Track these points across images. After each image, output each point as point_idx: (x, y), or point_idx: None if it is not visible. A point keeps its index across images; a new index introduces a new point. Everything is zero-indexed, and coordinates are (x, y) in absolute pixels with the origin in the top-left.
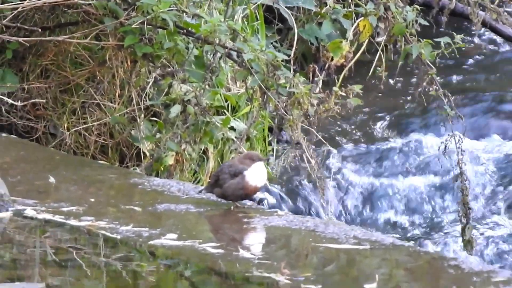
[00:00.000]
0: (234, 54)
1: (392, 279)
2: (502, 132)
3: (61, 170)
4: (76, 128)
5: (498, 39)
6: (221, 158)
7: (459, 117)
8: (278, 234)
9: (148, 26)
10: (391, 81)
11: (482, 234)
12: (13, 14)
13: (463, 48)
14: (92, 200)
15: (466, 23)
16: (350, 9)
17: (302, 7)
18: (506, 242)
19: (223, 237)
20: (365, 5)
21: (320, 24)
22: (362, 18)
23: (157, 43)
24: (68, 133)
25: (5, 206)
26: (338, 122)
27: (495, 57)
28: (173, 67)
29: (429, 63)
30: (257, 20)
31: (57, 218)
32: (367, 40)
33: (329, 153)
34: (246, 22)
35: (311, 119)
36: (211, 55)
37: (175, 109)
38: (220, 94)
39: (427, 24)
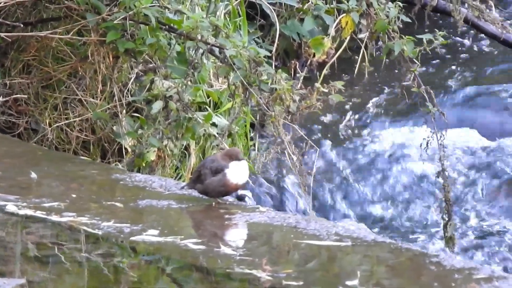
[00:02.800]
0: (216, 50)
1: (373, 276)
2: (483, 128)
3: (43, 165)
4: (58, 124)
5: (480, 36)
6: (203, 154)
7: (441, 113)
8: (259, 231)
9: (130, 21)
10: (373, 77)
11: (464, 231)
12: None
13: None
14: (74, 196)
15: (448, 20)
16: (332, 6)
17: (284, 3)
18: (487, 239)
19: (205, 233)
20: (347, 2)
21: (302, 20)
22: (344, 14)
23: (139, 39)
24: (50, 128)
25: None
26: (320, 118)
27: (477, 53)
28: (155, 63)
29: (412, 60)
30: (239, 16)
31: (39, 213)
32: (349, 37)
33: (311, 149)
34: (228, 18)
35: (293, 115)
36: (193, 51)
37: (157, 105)
38: (202, 90)
39: (410, 21)
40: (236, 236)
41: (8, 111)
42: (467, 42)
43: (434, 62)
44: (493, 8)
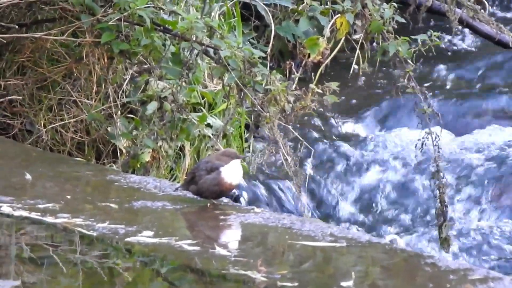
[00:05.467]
0: (211, 51)
1: (368, 277)
2: (478, 128)
3: (38, 167)
4: (52, 125)
5: (475, 36)
6: (197, 155)
7: (436, 114)
8: (254, 232)
9: (125, 23)
10: (368, 78)
11: (459, 232)
12: None
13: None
14: (69, 197)
15: (443, 21)
16: (327, 6)
17: (279, 4)
18: (483, 240)
19: (200, 234)
20: (342, 2)
21: (297, 21)
22: (339, 15)
23: (134, 40)
24: (45, 130)
25: None
26: (315, 119)
27: (472, 54)
28: (150, 64)
29: (407, 60)
30: (234, 17)
31: (34, 215)
32: (344, 37)
33: (305, 150)
34: (223, 19)
35: (287, 116)
36: (188, 52)
37: (152, 106)
38: (197, 91)
39: (404, 21)
40: (231, 237)
41: (3, 112)
42: (461, 42)
43: (428, 62)
44: (487, 8)
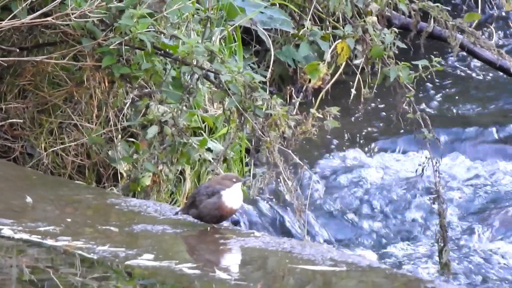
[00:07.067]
0: (212, 75)
1: None
2: (478, 153)
3: (38, 190)
4: (53, 148)
5: (476, 62)
6: (198, 179)
7: (436, 139)
8: (254, 255)
9: (125, 47)
10: (369, 103)
11: (459, 257)
12: None
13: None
14: (69, 220)
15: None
16: (327, 31)
17: (280, 29)
18: (483, 265)
19: (200, 258)
20: (343, 28)
21: (297, 46)
22: (340, 40)
23: (134, 64)
24: (45, 153)
25: None
26: (315, 144)
27: (473, 79)
28: (150, 88)
29: (407, 86)
30: (235, 41)
31: (34, 238)
32: (344, 62)
33: (306, 175)
34: (223, 44)
35: (288, 140)
36: (189, 76)
37: (152, 130)
38: (197, 115)
39: (405, 46)
40: (231, 261)
41: (3, 136)
42: (462, 67)
43: (429, 87)
44: (494, 35)
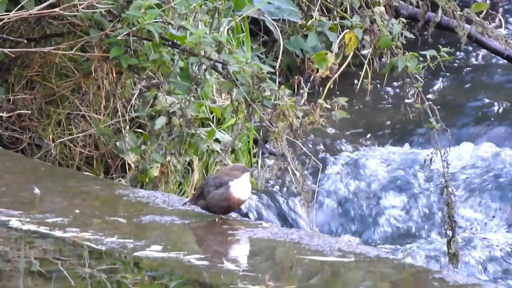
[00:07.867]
0: (220, 66)
1: None
2: (487, 143)
3: (46, 181)
4: (61, 140)
5: (484, 51)
6: (206, 170)
7: (445, 130)
8: (262, 246)
9: (133, 37)
10: (376, 93)
11: (467, 247)
12: None
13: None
14: (77, 211)
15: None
16: (335, 22)
17: (288, 20)
18: (491, 255)
19: (208, 249)
20: (351, 18)
21: (305, 36)
22: (348, 30)
23: (142, 54)
24: (53, 144)
25: None
26: (323, 134)
27: (481, 69)
28: (158, 79)
29: (415, 76)
30: (243, 32)
31: (42, 229)
32: (352, 53)
33: (314, 165)
34: (231, 34)
35: (296, 131)
36: (197, 67)
37: (160, 121)
38: (205, 106)
39: (413, 37)
40: (239, 251)
41: (11, 127)
42: (470, 57)
43: (437, 77)
44: (503, 25)
